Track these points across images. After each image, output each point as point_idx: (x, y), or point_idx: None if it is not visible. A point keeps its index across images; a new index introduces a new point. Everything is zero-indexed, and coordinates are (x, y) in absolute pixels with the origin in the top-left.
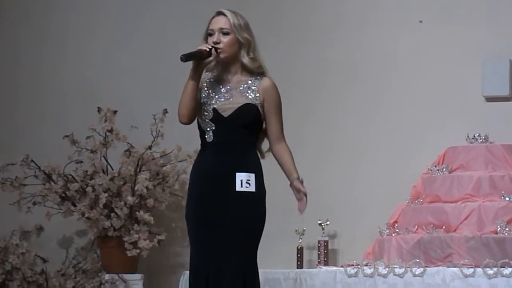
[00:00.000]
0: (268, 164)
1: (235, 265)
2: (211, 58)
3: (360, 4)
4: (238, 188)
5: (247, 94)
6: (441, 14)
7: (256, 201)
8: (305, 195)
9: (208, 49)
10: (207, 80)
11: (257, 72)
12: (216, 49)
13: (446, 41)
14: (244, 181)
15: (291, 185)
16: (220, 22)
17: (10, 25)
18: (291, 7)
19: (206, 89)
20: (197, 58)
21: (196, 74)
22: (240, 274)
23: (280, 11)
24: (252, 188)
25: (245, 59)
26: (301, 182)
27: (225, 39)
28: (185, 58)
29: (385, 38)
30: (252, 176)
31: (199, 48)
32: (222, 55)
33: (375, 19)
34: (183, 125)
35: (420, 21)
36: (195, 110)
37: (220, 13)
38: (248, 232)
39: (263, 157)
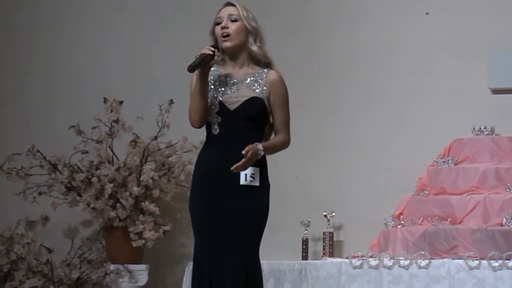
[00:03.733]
0: (273, 156)
1: (237, 257)
2: (216, 59)
3: None
4: (242, 182)
5: (254, 88)
6: (448, 6)
7: (259, 195)
8: (246, 157)
9: (211, 52)
10: (214, 73)
11: (264, 63)
12: (217, 48)
13: (452, 33)
14: (248, 175)
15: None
16: (228, 10)
17: (25, 14)
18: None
19: (213, 81)
20: (203, 64)
21: (203, 78)
22: (242, 265)
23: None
24: (256, 183)
25: (254, 47)
26: (256, 152)
27: (233, 26)
28: (192, 68)
29: (392, 30)
30: (257, 170)
31: (202, 52)
32: (229, 43)
33: (381, 10)
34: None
35: (427, 13)
36: (206, 113)
37: (228, 4)
38: (251, 225)
39: None
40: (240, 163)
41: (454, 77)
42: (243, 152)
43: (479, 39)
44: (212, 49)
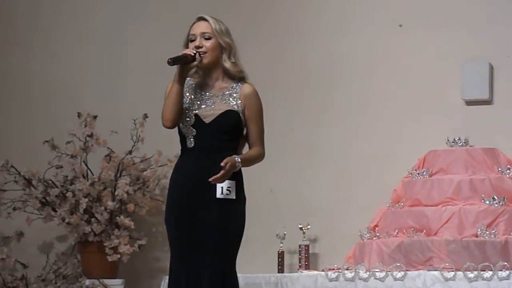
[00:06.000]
0: (248, 169)
1: (214, 270)
2: (195, 63)
3: (341, 8)
4: (218, 195)
5: (229, 101)
6: (421, 18)
7: (236, 207)
8: (225, 169)
9: (192, 54)
10: (189, 86)
11: (238, 77)
12: (199, 54)
13: (426, 45)
14: (224, 189)
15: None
16: (201, 27)
17: None
18: (274, 11)
19: (188, 94)
20: (183, 62)
21: (181, 78)
22: (219, 278)
23: (262, 14)
24: (233, 196)
25: (227, 64)
26: (234, 164)
27: (207, 44)
28: (173, 61)
29: (365, 42)
30: (232, 184)
31: (183, 52)
32: (205, 60)
33: (355, 23)
34: (164, 129)
35: (400, 25)
36: (179, 114)
37: (201, 19)
38: (227, 238)
39: None
40: (218, 174)
41: (428, 89)
42: (222, 164)
43: (452, 51)
44: (194, 51)
